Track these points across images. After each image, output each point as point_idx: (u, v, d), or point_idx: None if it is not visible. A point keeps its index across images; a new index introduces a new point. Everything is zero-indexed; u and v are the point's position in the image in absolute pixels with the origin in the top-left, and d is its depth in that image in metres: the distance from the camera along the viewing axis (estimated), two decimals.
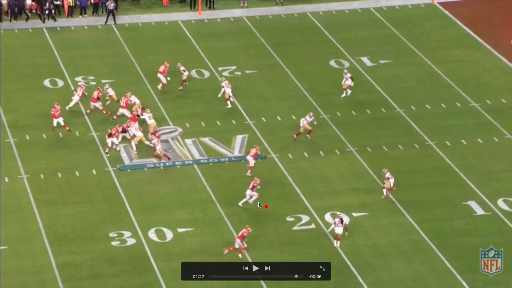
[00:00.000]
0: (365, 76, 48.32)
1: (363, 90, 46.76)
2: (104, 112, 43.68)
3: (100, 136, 42.31)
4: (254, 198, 37.95)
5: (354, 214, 37.78)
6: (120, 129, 41.35)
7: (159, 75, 46.18)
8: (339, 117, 44.37)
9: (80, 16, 54.04)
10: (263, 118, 44.50)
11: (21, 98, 45.62)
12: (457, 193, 39.39)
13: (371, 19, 54.43)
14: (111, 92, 44.32)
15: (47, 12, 53.26)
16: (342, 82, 45.96)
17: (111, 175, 40.14)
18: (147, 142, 41.54)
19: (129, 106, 43.40)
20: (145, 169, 40.66)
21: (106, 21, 53.29)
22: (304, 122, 42.23)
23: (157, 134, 41.60)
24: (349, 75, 45.90)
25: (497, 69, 49.42)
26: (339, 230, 35.71)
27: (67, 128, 42.48)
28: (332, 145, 42.41)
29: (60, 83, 47.37)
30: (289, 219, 37.41)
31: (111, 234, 36.53)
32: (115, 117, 43.36)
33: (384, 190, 38.70)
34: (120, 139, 41.42)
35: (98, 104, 43.63)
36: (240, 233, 35.32)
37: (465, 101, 46.25)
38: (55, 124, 42.34)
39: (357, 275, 34.75)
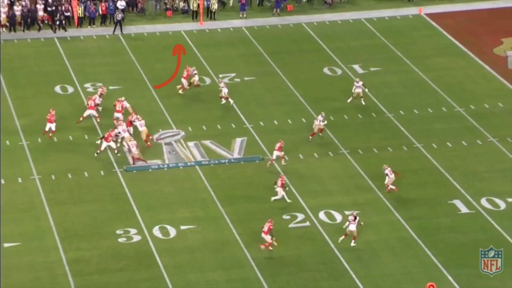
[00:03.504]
0: None
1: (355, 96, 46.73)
2: (98, 120, 43.33)
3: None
4: (283, 194, 37.77)
5: (347, 212, 37.68)
6: (113, 133, 41.08)
7: (182, 79, 45.96)
8: (332, 121, 44.21)
9: (89, 27, 53.99)
10: (261, 122, 44.44)
11: (33, 103, 45.56)
12: (443, 192, 39.35)
13: (362, 29, 54.41)
14: (126, 104, 43.66)
15: (58, 22, 53.22)
16: (352, 90, 45.46)
17: (118, 176, 40.07)
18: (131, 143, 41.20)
19: (125, 112, 43.03)
20: (150, 170, 40.58)
21: (113, 31, 53.25)
22: (316, 122, 42.08)
23: (131, 143, 40.78)
24: (361, 83, 45.46)
25: (480, 76, 49.41)
26: (352, 227, 35.49)
27: (51, 134, 41.83)
28: (325, 147, 42.33)
29: (70, 89, 47.33)
30: (285, 217, 37.34)
31: (118, 231, 36.46)
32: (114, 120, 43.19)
33: (388, 186, 38.53)
34: (119, 143, 41.04)
35: (95, 112, 43.22)
36: (266, 228, 34.96)
37: (450, 106, 46.21)
38: (46, 129, 41.94)
39: (349, 270, 34.68)
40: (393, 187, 38.82)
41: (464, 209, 38.28)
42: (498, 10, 56.54)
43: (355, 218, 35.60)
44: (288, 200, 38.04)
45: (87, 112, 43.15)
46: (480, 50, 51.68)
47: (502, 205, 38.52)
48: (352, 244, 35.55)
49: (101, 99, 44.09)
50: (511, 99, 46.85)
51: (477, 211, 38.16)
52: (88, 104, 43.30)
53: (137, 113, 42.98)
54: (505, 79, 48.82)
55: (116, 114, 42.91)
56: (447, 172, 40.70)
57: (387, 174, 38.72)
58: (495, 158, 41.84)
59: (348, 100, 45.55)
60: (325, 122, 42.62)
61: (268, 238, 35.06)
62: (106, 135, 40.88)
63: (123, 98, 43.46)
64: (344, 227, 35.89)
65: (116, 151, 40.94)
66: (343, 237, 35.62)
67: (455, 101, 46.60)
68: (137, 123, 41.97)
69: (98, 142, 41.15)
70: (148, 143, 41.79)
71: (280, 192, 37.92)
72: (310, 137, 42.44)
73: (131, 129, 41.96)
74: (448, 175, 40.51)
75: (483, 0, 57.59)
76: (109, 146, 40.83)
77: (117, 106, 43.13)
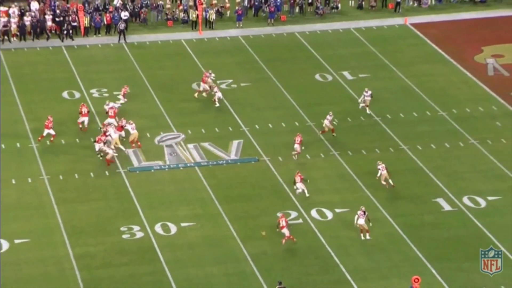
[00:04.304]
0: (346, 88, 48.29)
1: (344, 100, 46.68)
2: (84, 127, 42.78)
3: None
4: (304, 189, 37.92)
5: (337, 210, 37.72)
6: (103, 138, 40.83)
7: (201, 84, 45.87)
8: (323, 124, 44.20)
9: (94, 36, 53.94)
10: (256, 126, 44.43)
11: (42, 108, 45.45)
12: (427, 191, 39.35)
13: (351, 38, 54.41)
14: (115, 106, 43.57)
15: (65, 32, 53.17)
16: (362, 99, 45.02)
17: (122, 176, 40.04)
18: (119, 145, 41.03)
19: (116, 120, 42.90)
20: (152, 170, 40.55)
21: (119, 40, 53.24)
22: (326, 122, 42.33)
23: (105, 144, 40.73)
24: (369, 92, 45.12)
25: (462, 82, 49.43)
26: (361, 221, 35.55)
27: (52, 139, 41.69)
28: (317, 149, 42.31)
29: (77, 94, 47.25)
30: (279, 214, 37.26)
31: (122, 228, 36.43)
32: (101, 125, 42.91)
33: (383, 181, 38.68)
34: (112, 146, 40.91)
35: (86, 119, 42.77)
36: (284, 222, 35.09)
37: (434, 110, 46.25)
38: (44, 134, 41.74)
39: (339, 263, 34.70)
40: (391, 183, 38.75)
41: (447, 207, 38.30)
42: (479, 20, 56.63)
43: (364, 212, 35.66)
44: (307, 195, 38.00)
45: (81, 119, 42.82)
46: (462, 58, 51.69)
47: (483, 203, 38.54)
48: (367, 237, 35.51)
49: (125, 99, 44.19)
50: (491, 103, 46.88)
51: (459, 208, 38.17)
52: (82, 112, 42.96)
53: (139, 116, 43.01)
54: (485, 85, 48.86)
55: (109, 120, 42.78)
56: (431, 172, 40.72)
57: (379, 170, 38.82)
58: (476, 159, 41.86)
59: (367, 111, 44.93)
60: (334, 122, 42.77)
61: (287, 232, 35.12)
62: (97, 139, 40.76)
63: (116, 105, 43.36)
64: (355, 224, 35.86)
65: (100, 155, 40.63)
66: (361, 234, 35.59)
67: (438, 105, 46.62)
68: (128, 127, 41.87)
69: (95, 146, 41.02)
70: (139, 143, 41.66)
71: (301, 186, 38.00)
72: (320, 132, 42.74)
73: (123, 133, 41.85)
74: (432, 175, 40.53)
75: (465, 10, 57.67)
76: (100, 149, 40.63)
77: (109, 112, 42.99)
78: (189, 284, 33.53)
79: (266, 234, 35.02)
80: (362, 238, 35.63)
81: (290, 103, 46.69)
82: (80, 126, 42.91)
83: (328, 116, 42.69)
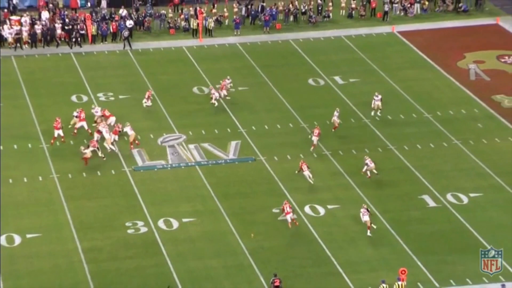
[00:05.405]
0: (337, 92, 48.26)
1: (336, 103, 46.62)
2: (90, 131, 42.43)
3: (118, 143, 42.04)
4: (310, 175, 38.56)
5: (329, 207, 37.70)
6: (96, 144, 40.76)
7: (219, 92, 45.80)
8: (316, 126, 44.16)
9: (101, 43, 53.85)
10: (253, 127, 44.40)
11: (52, 110, 45.33)
12: (413, 188, 39.34)
13: (342, 45, 54.40)
14: (99, 113, 43.26)
15: (74, 39, 53.09)
16: (372, 104, 44.87)
17: (127, 174, 39.98)
18: (107, 146, 40.91)
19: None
20: (155, 169, 40.50)
21: (124, 47, 53.16)
22: (335, 118, 42.79)
23: (93, 144, 40.51)
24: (380, 96, 44.96)
25: (445, 86, 49.45)
26: (366, 218, 35.50)
27: (63, 139, 41.60)
28: (310, 149, 42.26)
29: (85, 98, 47.17)
30: (274, 210, 37.30)
31: (127, 224, 36.39)
32: (95, 121, 42.70)
33: (368, 172, 38.76)
34: (111, 143, 40.80)
35: (85, 123, 42.45)
36: (288, 208, 35.49)
37: (419, 112, 46.24)
38: (55, 135, 41.69)
39: (331, 257, 34.68)
40: (375, 171, 38.78)
41: (432, 203, 38.29)
42: (461, 28, 56.67)
43: (368, 210, 35.62)
44: (311, 181, 38.34)
45: (79, 124, 42.49)
46: (446, 63, 51.72)
47: (465, 199, 38.56)
48: (368, 234, 35.45)
49: (150, 102, 44.43)
50: (473, 106, 46.89)
51: (443, 205, 38.17)
52: (80, 117, 42.70)
53: (143, 118, 42.88)
54: (467, 89, 48.88)
55: (111, 119, 42.62)
56: (417, 170, 40.71)
57: (366, 164, 38.81)
58: (458, 158, 41.87)
59: (372, 113, 44.81)
60: (339, 121, 43.03)
61: (290, 217, 35.42)
62: (92, 143, 40.61)
63: (99, 113, 42.84)
64: (363, 221, 35.88)
65: (103, 156, 40.59)
66: (368, 231, 35.51)
67: (423, 108, 46.61)
68: (126, 129, 41.69)
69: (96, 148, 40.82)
70: (137, 141, 41.48)
71: (307, 174, 38.47)
72: (333, 129, 42.96)
73: (116, 137, 41.59)
74: (418, 173, 40.51)
75: (448, 19, 57.71)
76: (94, 151, 40.49)
77: (106, 112, 43.05)
78: (190, 275, 33.50)
79: (254, 236, 35.01)
80: (368, 234, 35.50)
81: (285, 106, 46.66)
82: (75, 131, 42.53)
83: (335, 113, 42.76)
